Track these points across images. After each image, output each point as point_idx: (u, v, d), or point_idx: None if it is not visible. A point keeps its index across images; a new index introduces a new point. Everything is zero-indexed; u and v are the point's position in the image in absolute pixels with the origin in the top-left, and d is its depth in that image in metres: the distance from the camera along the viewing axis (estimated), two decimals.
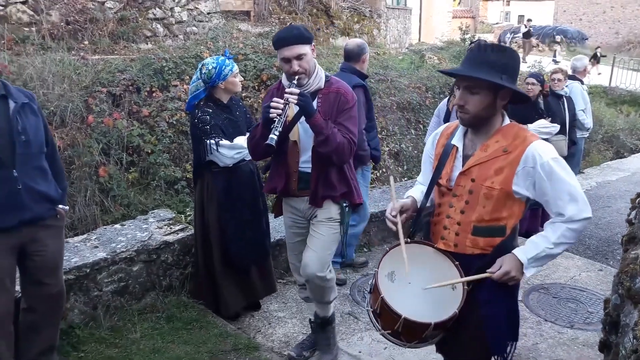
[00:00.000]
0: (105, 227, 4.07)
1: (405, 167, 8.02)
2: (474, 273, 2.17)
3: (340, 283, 4.28)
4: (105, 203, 5.22)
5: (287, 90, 2.71)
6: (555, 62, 20.05)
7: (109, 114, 5.67)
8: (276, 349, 3.51)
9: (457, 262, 2.18)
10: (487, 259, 2.16)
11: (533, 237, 2.16)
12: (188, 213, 4.75)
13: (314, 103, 2.84)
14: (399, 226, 2.25)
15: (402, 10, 16.92)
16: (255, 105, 6.56)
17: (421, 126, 8.51)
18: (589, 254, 5.34)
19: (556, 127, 5.11)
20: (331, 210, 3.02)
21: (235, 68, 3.54)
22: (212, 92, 3.52)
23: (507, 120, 2.20)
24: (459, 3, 39.18)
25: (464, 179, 2.19)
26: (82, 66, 6.12)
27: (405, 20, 16.74)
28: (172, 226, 3.99)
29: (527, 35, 24.65)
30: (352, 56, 4.23)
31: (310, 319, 3.42)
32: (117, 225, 4.01)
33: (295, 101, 2.68)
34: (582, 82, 6.55)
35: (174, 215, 4.24)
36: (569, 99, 5.77)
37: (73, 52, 6.61)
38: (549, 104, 5.30)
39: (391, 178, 2.58)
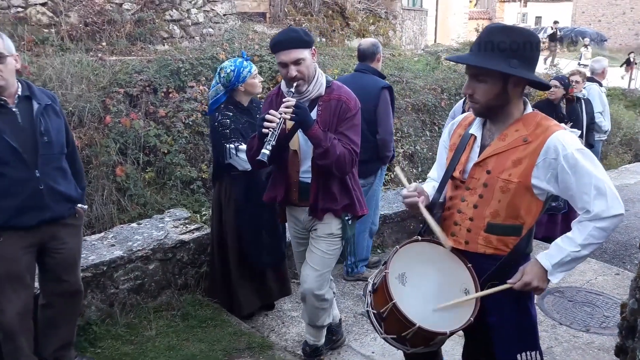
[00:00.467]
0: (122, 225, 4.12)
1: (420, 169, 7.99)
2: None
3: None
4: (122, 202, 5.30)
5: (283, 102, 2.55)
6: (583, 65, 18.44)
7: (126, 115, 5.75)
8: (289, 348, 3.52)
9: (470, 265, 2.06)
10: (501, 262, 2.01)
11: (558, 240, 1.98)
12: (203, 212, 4.79)
13: (314, 111, 2.71)
14: (420, 205, 2.09)
15: (418, 11, 16.90)
16: None
17: (436, 128, 8.46)
18: (605, 257, 5.27)
19: (577, 133, 5.04)
20: (332, 225, 2.88)
21: (254, 69, 3.49)
22: (233, 95, 3.49)
23: (529, 109, 2.02)
24: (476, 4, 38.87)
25: (479, 170, 2.03)
26: (100, 67, 6.22)
27: (421, 21, 16.71)
28: (187, 225, 4.02)
29: (552, 37, 22.23)
30: (368, 55, 4.22)
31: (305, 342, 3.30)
32: (134, 224, 4.06)
33: (289, 117, 2.53)
34: (600, 85, 6.49)
35: (189, 214, 4.27)
36: (587, 102, 5.70)
37: (91, 53, 6.71)
38: (572, 109, 5.23)
39: (397, 168, 2.49)
